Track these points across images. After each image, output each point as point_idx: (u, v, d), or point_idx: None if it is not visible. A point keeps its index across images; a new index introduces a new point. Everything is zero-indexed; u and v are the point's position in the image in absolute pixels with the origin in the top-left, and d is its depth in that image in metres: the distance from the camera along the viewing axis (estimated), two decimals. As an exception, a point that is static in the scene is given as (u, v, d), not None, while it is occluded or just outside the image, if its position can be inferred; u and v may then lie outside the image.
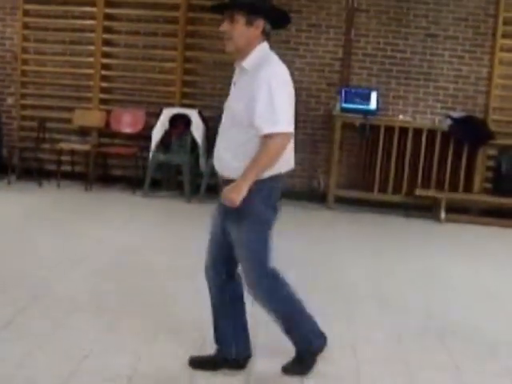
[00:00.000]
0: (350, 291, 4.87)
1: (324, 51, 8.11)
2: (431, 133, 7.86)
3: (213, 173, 7.94)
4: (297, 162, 8.50)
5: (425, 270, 5.65)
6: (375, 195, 8.02)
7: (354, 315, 4.37)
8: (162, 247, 5.76)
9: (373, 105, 7.95)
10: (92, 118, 8.32)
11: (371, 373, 3.49)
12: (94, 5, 8.20)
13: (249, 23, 3.05)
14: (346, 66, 8.09)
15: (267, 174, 3.07)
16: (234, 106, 3.12)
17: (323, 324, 3.41)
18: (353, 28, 8.05)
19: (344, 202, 7.95)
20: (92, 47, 8.29)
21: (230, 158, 3.11)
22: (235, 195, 2.98)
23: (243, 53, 3.11)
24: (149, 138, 7.86)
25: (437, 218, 7.66)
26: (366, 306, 4.58)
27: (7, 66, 8.51)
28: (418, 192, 7.82)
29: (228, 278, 3.30)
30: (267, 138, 2.99)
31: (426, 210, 7.86)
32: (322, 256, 5.81)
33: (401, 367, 3.59)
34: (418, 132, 7.87)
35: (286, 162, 3.17)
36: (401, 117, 8.05)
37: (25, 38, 8.45)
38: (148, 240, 6.00)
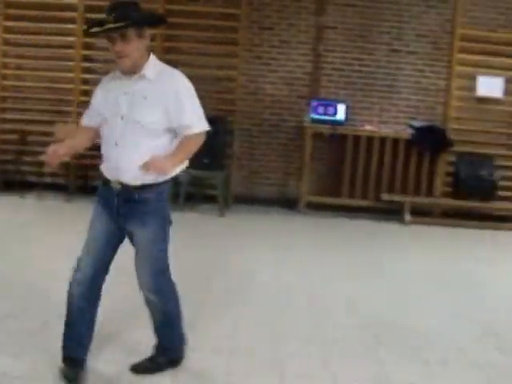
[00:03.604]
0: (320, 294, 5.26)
1: (294, 66, 8.56)
2: (395, 141, 8.39)
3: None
4: (270, 170, 8.89)
5: (389, 268, 6.11)
6: (344, 200, 8.46)
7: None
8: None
9: (341, 116, 8.43)
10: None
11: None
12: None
13: (140, 36, 3.05)
14: (315, 80, 8.57)
15: (168, 176, 3.18)
16: (143, 116, 3.06)
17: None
18: (321, 44, 8.55)
19: (314, 208, 8.37)
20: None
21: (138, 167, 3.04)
22: (169, 165, 3.03)
23: (138, 65, 3.10)
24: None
25: (402, 221, 8.17)
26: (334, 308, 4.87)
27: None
28: (384, 197, 8.33)
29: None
30: (196, 134, 3.15)
31: (392, 213, 8.33)
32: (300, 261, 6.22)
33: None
34: (383, 140, 8.38)
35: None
36: (367, 127, 8.56)
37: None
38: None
